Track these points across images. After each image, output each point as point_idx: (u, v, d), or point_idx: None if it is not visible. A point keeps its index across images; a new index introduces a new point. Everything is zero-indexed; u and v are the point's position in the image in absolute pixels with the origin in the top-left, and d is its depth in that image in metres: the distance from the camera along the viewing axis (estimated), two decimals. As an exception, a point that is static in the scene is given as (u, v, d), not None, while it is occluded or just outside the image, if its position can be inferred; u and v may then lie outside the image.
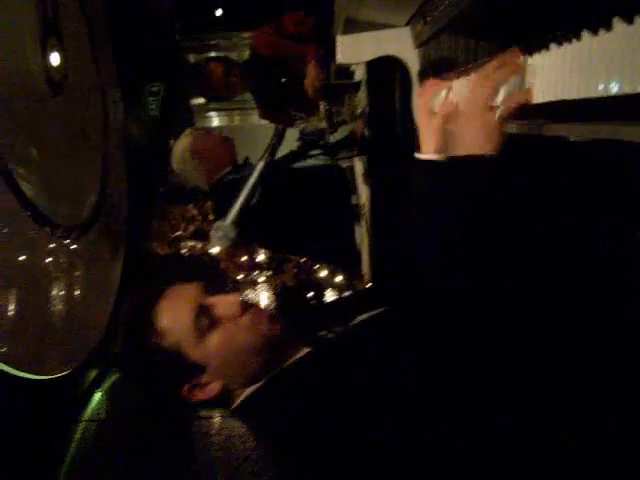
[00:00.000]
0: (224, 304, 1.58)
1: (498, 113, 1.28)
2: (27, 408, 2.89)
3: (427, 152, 1.43)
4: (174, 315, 1.55)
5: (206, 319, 1.54)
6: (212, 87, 4.23)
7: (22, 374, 2.80)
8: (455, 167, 1.34)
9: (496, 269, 1.35)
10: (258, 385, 1.55)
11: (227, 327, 1.55)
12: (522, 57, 1.26)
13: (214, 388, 1.56)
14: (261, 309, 1.61)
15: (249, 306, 1.59)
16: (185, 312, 1.54)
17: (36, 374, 2.94)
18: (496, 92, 1.30)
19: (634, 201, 1.32)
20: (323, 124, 3.23)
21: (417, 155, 1.46)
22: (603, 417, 1.39)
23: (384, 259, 2.68)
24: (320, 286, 4.37)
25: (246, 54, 6.44)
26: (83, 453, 3.51)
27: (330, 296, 4.24)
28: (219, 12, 6.17)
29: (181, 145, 3.52)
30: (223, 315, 1.56)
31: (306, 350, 1.58)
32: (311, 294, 4.37)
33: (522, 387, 1.42)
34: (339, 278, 4.33)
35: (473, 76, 1.41)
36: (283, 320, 1.60)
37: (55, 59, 3.34)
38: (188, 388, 1.56)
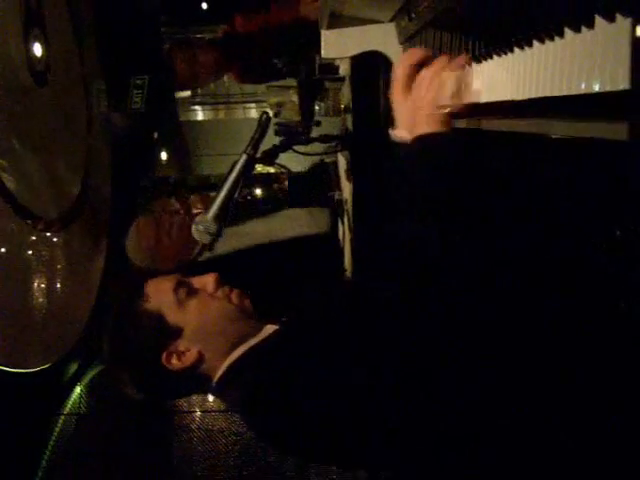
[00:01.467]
0: (201, 281, 1.75)
1: (447, 110, 1.48)
2: (7, 402, 2.87)
3: (400, 130, 1.61)
4: (158, 285, 1.73)
5: (184, 290, 1.70)
6: (178, 79, 4.16)
7: (2, 367, 2.79)
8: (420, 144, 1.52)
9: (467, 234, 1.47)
10: (235, 359, 1.64)
11: (203, 296, 1.72)
12: (466, 62, 1.47)
13: (191, 355, 1.64)
14: (234, 287, 1.75)
15: (223, 285, 1.75)
16: (167, 284, 1.72)
17: (16, 367, 2.93)
18: (443, 90, 1.49)
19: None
20: (297, 116, 3.22)
21: (391, 132, 1.64)
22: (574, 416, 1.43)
23: (366, 254, 2.69)
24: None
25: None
26: (63, 447, 3.50)
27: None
28: (204, 5, 6.14)
29: (131, 236, 3.49)
30: (200, 289, 1.74)
31: (274, 327, 1.70)
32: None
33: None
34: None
35: (423, 72, 1.56)
36: (256, 296, 1.77)
37: (38, 50, 3.32)
38: (166, 355, 1.64)
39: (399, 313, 1.50)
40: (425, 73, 1.53)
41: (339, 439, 1.49)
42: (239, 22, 4.25)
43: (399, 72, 1.61)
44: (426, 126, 1.50)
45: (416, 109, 1.55)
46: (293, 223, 3.60)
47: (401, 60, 1.67)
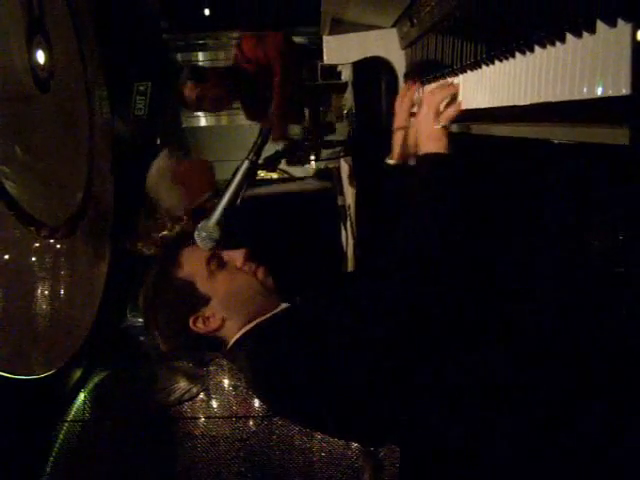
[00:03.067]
0: (231, 255, 1.90)
1: (440, 124, 1.72)
2: (11, 408, 2.87)
3: (396, 158, 1.98)
4: (191, 256, 1.90)
5: (215, 263, 1.86)
6: (184, 99, 4.20)
7: (6, 374, 2.79)
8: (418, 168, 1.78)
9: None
10: (249, 329, 1.80)
11: (231, 270, 1.88)
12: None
13: (216, 320, 1.81)
14: (260, 264, 1.91)
15: (251, 260, 1.90)
16: (200, 256, 1.88)
17: (20, 374, 2.93)
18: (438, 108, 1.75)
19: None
20: (300, 134, 3.21)
21: (388, 161, 2.00)
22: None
23: (369, 259, 2.68)
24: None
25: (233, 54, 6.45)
26: (67, 453, 3.50)
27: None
28: (207, 11, 6.14)
29: (157, 166, 3.46)
30: (229, 262, 1.89)
31: (286, 305, 1.90)
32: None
33: None
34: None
35: (424, 95, 1.83)
36: (276, 276, 1.93)
37: (41, 57, 3.32)
38: (194, 319, 1.81)
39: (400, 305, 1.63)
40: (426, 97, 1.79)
41: (339, 411, 1.64)
42: (247, 45, 4.27)
43: (397, 108, 1.96)
44: (428, 145, 1.73)
45: (410, 133, 1.90)
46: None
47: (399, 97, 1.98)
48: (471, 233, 1.68)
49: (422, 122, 1.77)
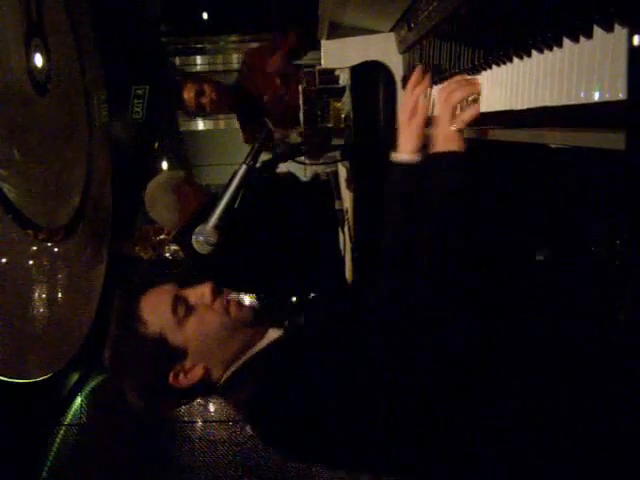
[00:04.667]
0: (197, 293, 1.71)
1: (454, 126, 1.61)
2: (7, 412, 2.87)
3: (404, 152, 1.77)
4: (154, 307, 1.69)
5: (182, 308, 1.67)
6: (183, 103, 4.22)
7: (3, 378, 2.78)
8: (425, 168, 1.65)
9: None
10: (236, 368, 1.66)
11: (201, 313, 1.68)
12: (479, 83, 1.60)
13: (197, 373, 1.65)
14: (231, 295, 1.73)
15: (220, 294, 1.72)
16: (164, 303, 1.67)
17: (17, 378, 2.92)
18: (454, 109, 1.62)
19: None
20: (297, 139, 3.21)
21: (393, 156, 1.77)
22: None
23: (367, 263, 2.68)
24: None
25: (232, 57, 6.46)
26: (64, 457, 3.50)
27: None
28: (205, 15, 6.15)
29: (163, 178, 3.45)
30: (197, 303, 1.70)
31: (278, 332, 1.71)
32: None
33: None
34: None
35: (440, 90, 1.69)
36: (253, 306, 1.75)
37: (39, 60, 3.32)
38: (173, 375, 1.64)
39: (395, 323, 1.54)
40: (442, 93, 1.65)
41: (342, 442, 1.52)
42: (257, 60, 4.32)
43: (406, 99, 1.79)
44: (443, 146, 1.62)
45: (420, 129, 1.74)
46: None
47: (408, 88, 1.81)
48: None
49: (437, 122, 1.65)
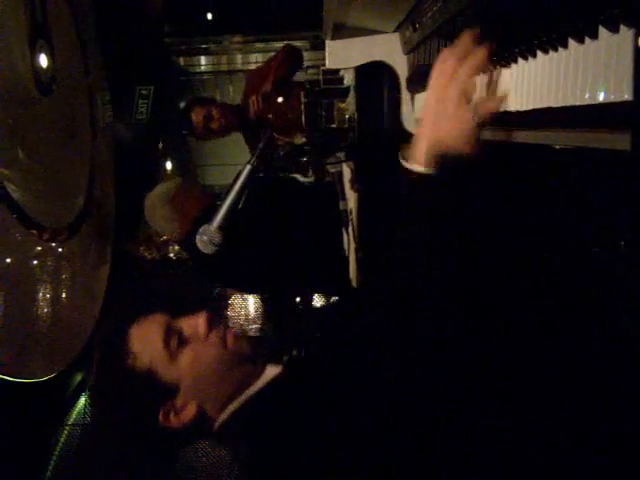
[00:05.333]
0: (191, 324, 1.58)
1: (473, 115, 1.27)
2: (12, 412, 2.87)
3: (417, 162, 1.35)
4: (144, 339, 1.57)
5: (175, 340, 1.54)
6: (193, 129, 4.25)
7: (7, 377, 2.79)
8: (440, 182, 1.31)
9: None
10: (234, 409, 1.53)
11: (196, 346, 1.56)
12: (488, 55, 1.29)
13: (189, 412, 1.52)
14: (227, 326, 1.64)
15: (215, 324, 1.59)
16: (155, 334, 1.55)
17: (21, 378, 2.92)
18: (467, 88, 1.29)
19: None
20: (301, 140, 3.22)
21: (406, 164, 1.37)
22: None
23: (371, 265, 2.68)
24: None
25: (237, 58, 6.46)
26: (68, 457, 3.50)
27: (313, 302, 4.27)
28: (209, 16, 6.15)
29: (160, 189, 3.46)
30: (191, 335, 1.57)
31: (277, 370, 1.58)
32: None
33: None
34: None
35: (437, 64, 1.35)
36: (252, 337, 1.61)
37: (43, 61, 3.33)
38: (163, 414, 1.51)
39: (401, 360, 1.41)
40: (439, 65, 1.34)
41: None
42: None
43: (430, 99, 1.36)
44: (453, 143, 1.27)
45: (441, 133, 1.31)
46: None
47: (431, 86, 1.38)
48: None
49: (444, 107, 1.28)
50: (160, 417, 1.51)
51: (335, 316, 1.82)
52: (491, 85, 1.32)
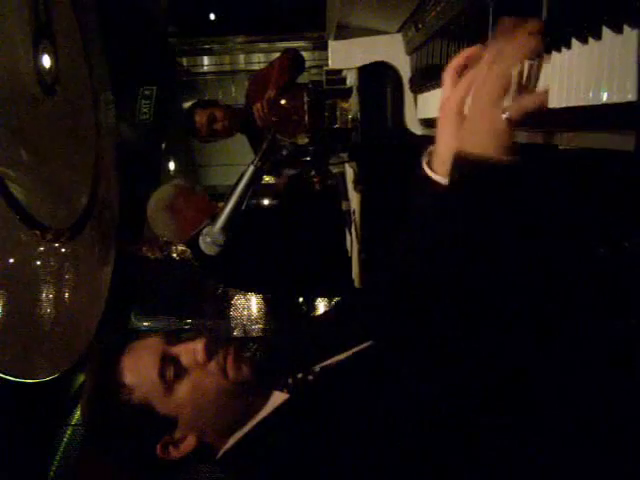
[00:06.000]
0: (189, 351, 1.50)
1: (507, 114, 1.07)
2: (15, 412, 2.87)
3: (441, 173, 1.23)
4: (138, 369, 1.48)
5: (172, 369, 1.46)
6: (197, 132, 4.26)
7: (10, 377, 2.79)
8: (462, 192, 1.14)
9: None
10: (239, 438, 1.46)
11: (194, 375, 1.47)
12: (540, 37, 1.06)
13: (189, 444, 1.45)
14: (228, 354, 1.49)
15: (215, 351, 1.50)
16: (149, 364, 1.47)
17: (25, 378, 2.93)
18: (508, 82, 1.07)
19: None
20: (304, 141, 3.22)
21: (430, 173, 1.25)
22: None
23: (374, 265, 2.68)
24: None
25: (240, 58, 6.46)
26: (71, 457, 3.50)
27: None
28: (212, 16, 6.16)
29: (159, 195, 3.46)
30: (189, 363, 1.48)
31: (283, 396, 1.49)
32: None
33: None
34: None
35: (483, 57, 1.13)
36: (254, 364, 1.52)
37: (47, 61, 3.33)
38: (161, 447, 1.45)
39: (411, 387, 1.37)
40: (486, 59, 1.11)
41: None
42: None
43: (445, 97, 1.24)
44: (483, 141, 1.09)
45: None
46: None
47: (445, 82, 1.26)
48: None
49: (477, 103, 1.11)
50: (158, 450, 1.45)
51: (336, 331, 1.73)
52: (529, 79, 1.10)
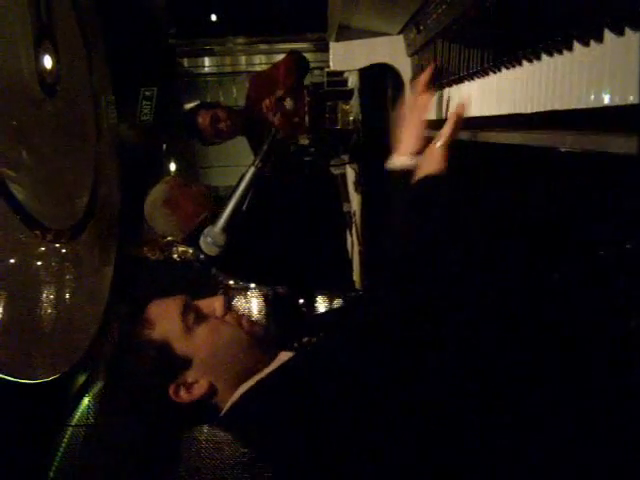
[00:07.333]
0: (209, 304, 1.66)
1: (438, 143, 1.61)
2: (14, 413, 2.87)
3: (403, 155, 1.76)
4: (163, 311, 1.63)
5: (192, 315, 1.60)
6: (200, 134, 4.27)
7: (10, 378, 2.79)
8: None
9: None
10: (245, 391, 1.52)
11: (213, 322, 1.61)
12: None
13: (201, 387, 1.53)
14: (244, 311, 1.68)
15: (233, 307, 1.69)
16: (173, 308, 1.61)
17: (24, 379, 2.92)
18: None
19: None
20: (305, 142, 3.22)
21: (391, 161, 1.79)
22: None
23: (374, 265, 2.69)
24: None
25: (241, 59, 6.47)
26: (71, 458, 3.50)
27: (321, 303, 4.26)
28: (213, 17, 6.16)
29: (154, 193, 3.46)
30: (208, 313, 1.64)
31: (288, 355, 1.58)
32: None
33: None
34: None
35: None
36: (267, 323, 1.69)
37: (48, 62, 3.33)
38: (174, 387, 1.53)
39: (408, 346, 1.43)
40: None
41: (354, 475, 1.35)
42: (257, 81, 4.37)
43: (409, 100, 1.83)
44: (425, 164, 1.63)
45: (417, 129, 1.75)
46: None
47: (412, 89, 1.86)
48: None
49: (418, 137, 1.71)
50: (171, 391, 1.53)
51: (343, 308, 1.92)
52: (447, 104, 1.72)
